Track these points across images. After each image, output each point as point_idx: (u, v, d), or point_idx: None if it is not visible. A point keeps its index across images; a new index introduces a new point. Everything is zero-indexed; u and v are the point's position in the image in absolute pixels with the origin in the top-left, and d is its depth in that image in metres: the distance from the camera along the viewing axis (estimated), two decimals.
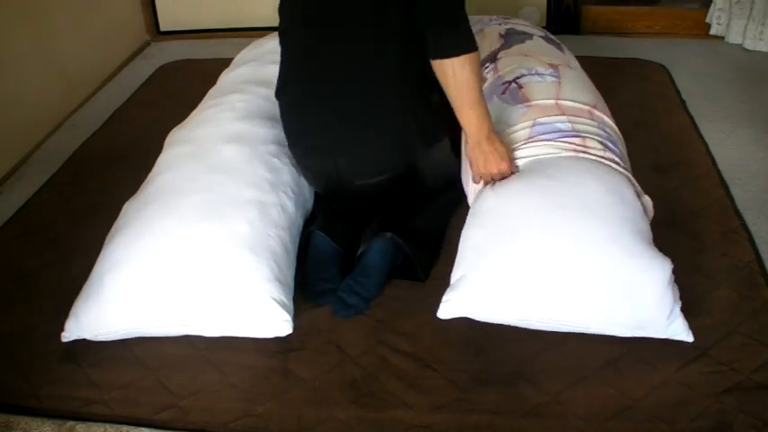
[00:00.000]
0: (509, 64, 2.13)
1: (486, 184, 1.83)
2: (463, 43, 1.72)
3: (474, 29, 2.45)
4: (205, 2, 3.71)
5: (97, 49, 3.25)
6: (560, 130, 1.86)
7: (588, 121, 1.92)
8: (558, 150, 1.82)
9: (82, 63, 3.10)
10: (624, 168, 1.84)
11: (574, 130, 1.87)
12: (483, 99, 1.77)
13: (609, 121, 1.99)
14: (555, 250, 1.62)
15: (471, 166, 1.85)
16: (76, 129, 2.86)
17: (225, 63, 2.61)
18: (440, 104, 1.85)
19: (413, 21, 1.74)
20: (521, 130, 1.89)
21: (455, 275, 1.70)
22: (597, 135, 1.88)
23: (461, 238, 1.77)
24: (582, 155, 1.81)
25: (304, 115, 1.89)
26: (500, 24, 2.42)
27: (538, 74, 2.05)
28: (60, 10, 2.95)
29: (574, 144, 1.83)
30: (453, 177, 2.06)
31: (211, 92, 2.36)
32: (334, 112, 1.84)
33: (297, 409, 1.56)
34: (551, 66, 2.10)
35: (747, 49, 3.21)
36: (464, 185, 2.02)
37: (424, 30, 1.73)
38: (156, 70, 3.34)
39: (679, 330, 1.62)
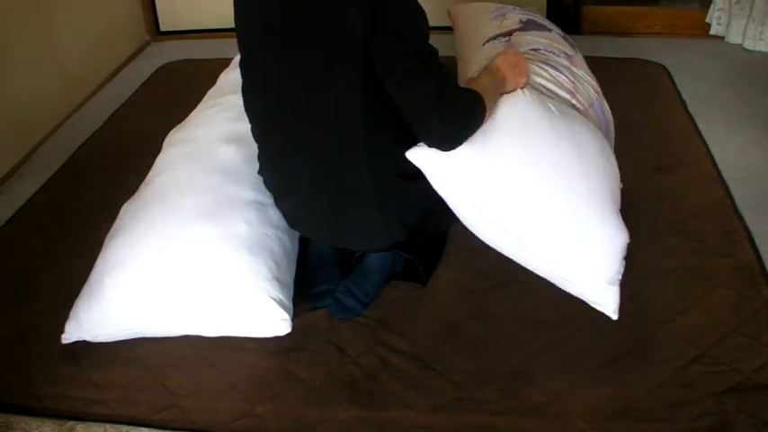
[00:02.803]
0: (524, 40, 2.10)
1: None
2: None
3: (495, 13, 2.46)
4: (205, 2, 3.71)
5: (97, 49, 3.25)
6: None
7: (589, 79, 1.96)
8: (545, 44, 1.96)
9: (82, 63, 3.10)
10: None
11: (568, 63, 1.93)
12: (488, 95, 1.64)
13: (605, 105, 1.99)
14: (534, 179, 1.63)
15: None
16: (77, 129, 2.86)
17: (225, 63, 2.60)
18: (420, 195, 1.72)
19: (381, 109, 1.58)
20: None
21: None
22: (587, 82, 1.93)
23: None
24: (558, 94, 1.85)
25: (286, 201, 1.81)
26: (523, 14, 2.42)
27: (552, 52, 2.05)
28: (61, 10, 2.95)
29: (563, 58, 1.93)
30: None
31: (211, 92, 2.36)
32: (312, 202, 1.73)
33: (297, 409, 1.56)
34: (564, 53, 2.09)
35: (747, 49, 3.20)
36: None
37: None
38: (156, 70, 3.34)
39: (609, 301, 1.62)
